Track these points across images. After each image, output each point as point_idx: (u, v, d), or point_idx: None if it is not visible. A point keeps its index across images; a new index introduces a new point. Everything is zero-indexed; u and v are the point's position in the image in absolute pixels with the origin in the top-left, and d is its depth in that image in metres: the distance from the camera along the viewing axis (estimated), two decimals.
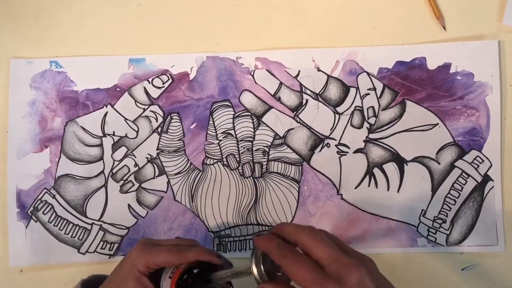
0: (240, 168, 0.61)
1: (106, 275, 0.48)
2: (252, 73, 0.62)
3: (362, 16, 0.62)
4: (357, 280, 0.35)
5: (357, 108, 0.61)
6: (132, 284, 0.44)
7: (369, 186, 0.60)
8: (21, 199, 0.61)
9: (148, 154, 0.61)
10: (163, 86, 0.61)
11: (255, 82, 0.62)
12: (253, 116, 0.61)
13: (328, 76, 0.61)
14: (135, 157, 0.61)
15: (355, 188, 0.60)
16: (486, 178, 0.60)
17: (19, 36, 0.63)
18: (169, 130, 0.61)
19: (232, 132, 0.61)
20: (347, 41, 0.62)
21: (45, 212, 0.61)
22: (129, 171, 0.61)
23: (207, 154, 0.61)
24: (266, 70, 0.61)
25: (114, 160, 0.61)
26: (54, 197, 0.61)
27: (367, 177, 0.60)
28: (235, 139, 0.61)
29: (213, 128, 0.61)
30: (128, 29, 0.62)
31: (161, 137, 0.61)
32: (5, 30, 0.63)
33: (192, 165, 0.61)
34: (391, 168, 0.60)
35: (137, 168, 0.61)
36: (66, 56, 0.62)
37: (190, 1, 0.63)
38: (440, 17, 0.61)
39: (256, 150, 0.61)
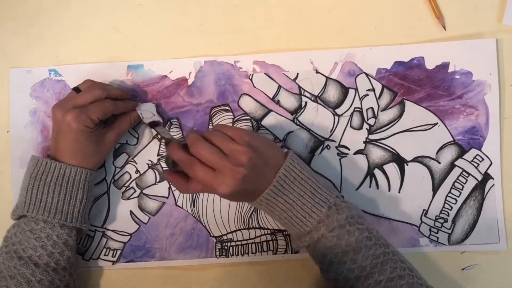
0: None
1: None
2: (250, 77, 0.62)
3: (362, 16, 0.62)
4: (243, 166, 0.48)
5: (356, 109, 0.61)
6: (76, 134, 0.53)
7: (370, 187, 0.61)
8: None
9: (149, 160, 0.61)
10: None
11: (254, 86, 0.62)
12: (252, 119, 0.61)
13: (327, 78, 0.61)
14: (136, 163, 0.61)
15: (356, 189, 0.60)
16: (487, 176, 0.60)
17: (16, 42, 0.63)
18: None
19: None
20: (346, 42, 0.62)
21: None
22: (130, 177, 0.61)
23: None
24: (265, 73, 0.61)
25: (115, 167, 0.61)
26: None
27: (368, 178, 0.61)
28: None
29: None
30: (127, 30, 0.63)
31: (162, 143, 0.61)
32: (2, 38, 0.63)
33: None
34: (391, 168, 0.60)
35: (138, 174, 0.61)
36: (64, 64, 0.62)
37: (190, 1, 0.63)
38: (440, 17, 0.61)
39: None
